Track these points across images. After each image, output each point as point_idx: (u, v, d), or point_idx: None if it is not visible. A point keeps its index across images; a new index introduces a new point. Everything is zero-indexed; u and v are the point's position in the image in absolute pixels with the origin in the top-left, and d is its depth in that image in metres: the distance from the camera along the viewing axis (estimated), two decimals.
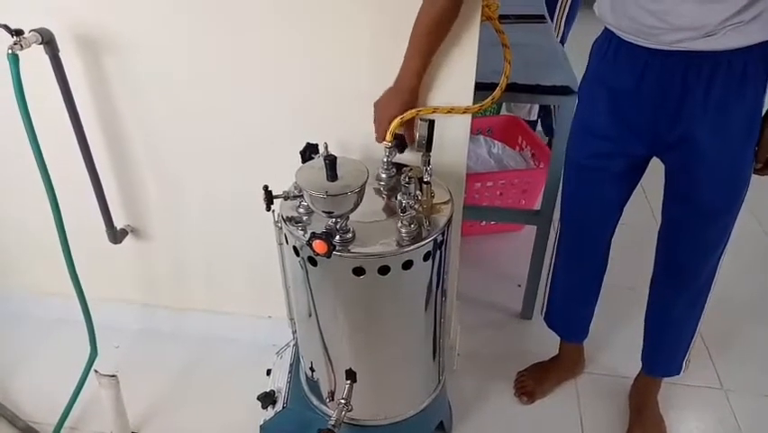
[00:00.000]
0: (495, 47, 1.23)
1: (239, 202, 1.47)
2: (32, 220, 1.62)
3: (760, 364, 1.70)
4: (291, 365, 1.44)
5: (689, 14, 0.99)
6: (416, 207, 1.05)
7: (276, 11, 1.20)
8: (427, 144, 1.11)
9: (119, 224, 1.57)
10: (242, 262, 1.61)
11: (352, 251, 1.03)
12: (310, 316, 1.18)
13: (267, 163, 1.33)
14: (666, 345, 1.46)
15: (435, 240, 1.09)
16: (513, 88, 1.41)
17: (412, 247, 1.04)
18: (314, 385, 1.32)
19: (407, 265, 1.06)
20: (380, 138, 1.18)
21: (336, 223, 1.01)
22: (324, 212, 0.99)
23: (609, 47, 1.15)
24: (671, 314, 1.40)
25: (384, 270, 1.04)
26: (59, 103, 1.32)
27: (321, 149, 1.15)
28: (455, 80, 1.21)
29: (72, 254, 1.38)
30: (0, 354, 1.72)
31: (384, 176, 1.19)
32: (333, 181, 0.96)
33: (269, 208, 1.10)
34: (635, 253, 1.62)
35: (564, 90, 1.45)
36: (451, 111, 1.21)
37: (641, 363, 1.53)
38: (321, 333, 1.19)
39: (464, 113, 1.23)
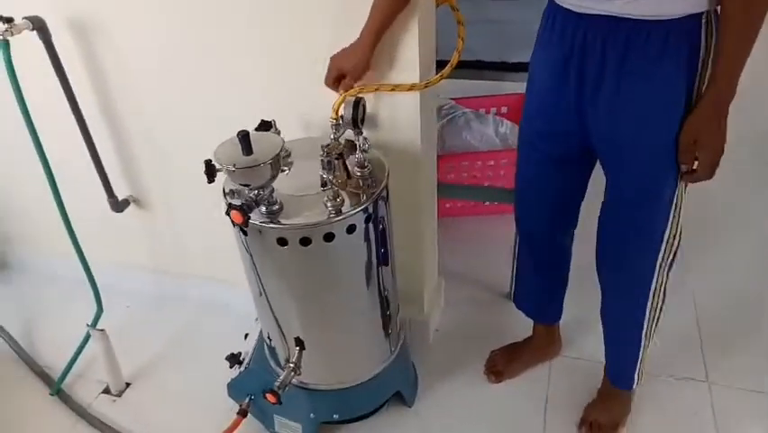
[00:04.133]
0: (472, 25, 1.22)
1: None
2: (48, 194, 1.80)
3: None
4: (261, 331, 1.53)
5: None
6: (336, 181, 1.09)
7: None
8: (354, 122, 1.14)
9: (121, 195, 1.72)
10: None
11: (278, 222, 1.09)
12: (258, 288, 1.25)
13: None
14: (614, 349, 1.39)
15: (364, 214, 1.12)
16: (477, 66, 1.40)
17: (333, 220, 1.09)
18: (271, 349, 1.40)
19: (329, 238, 1.10)
20: (327, 83, 1.22)
21: (258, 195, 1.08)
22: (241, 184, 1.06)
23: (549, 16, 1.11)
24: (612, 310, 1.34)
25: (305, 241, 1.09)
26: (56, 84, 1.47)
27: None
28: (401, 57, 1.22)
29: (78, 223, 1.52)
30: (29, 310, 1.95)
31: None
32: (247, 155, 1.03)
33: (210, 181, 1.18)
34: None
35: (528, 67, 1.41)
36: (395, 89, 1.23)
37: None
38: (269, 303, 1.26)
39: (410, 90, 1.23)
